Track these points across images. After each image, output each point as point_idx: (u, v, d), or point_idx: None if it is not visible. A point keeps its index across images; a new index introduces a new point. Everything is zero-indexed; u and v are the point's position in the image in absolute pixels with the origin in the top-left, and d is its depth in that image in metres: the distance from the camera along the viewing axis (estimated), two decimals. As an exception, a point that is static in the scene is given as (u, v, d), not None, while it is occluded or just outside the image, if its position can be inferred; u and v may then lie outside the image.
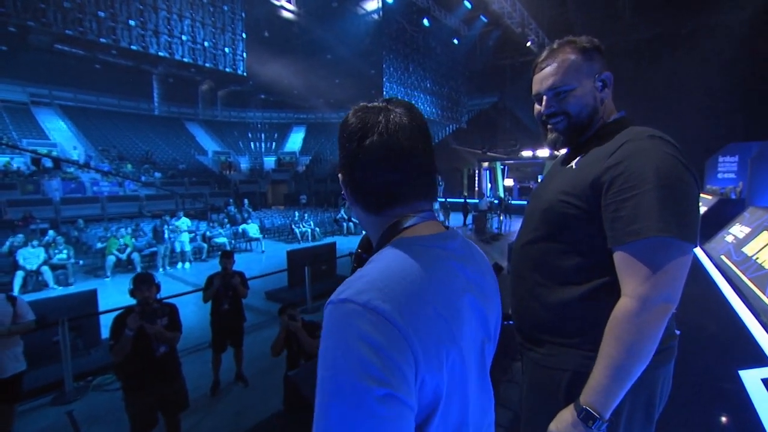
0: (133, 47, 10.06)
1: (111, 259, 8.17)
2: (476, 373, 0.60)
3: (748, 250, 6.17)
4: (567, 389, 0.96)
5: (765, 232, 6.14)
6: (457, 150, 22.72)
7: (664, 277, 0.84)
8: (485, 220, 12.68)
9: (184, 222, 9.28)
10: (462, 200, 14.92)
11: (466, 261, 0.61)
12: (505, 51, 20.40)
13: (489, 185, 21.95)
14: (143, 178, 18.23)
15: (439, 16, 17.04)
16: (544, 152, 17.29)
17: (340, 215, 13.79)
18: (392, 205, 0.59)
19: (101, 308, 4.55)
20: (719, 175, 12.73)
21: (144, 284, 2.49)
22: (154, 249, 8.81)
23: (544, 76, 1.05)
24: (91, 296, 4.56)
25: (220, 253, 3.84)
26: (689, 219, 0.85)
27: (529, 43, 16.47)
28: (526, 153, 19.22)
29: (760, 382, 2.94)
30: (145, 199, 16.49)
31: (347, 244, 11.35)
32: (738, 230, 7.33)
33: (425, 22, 16.55)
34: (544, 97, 1.06)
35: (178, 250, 9.05)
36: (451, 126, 22.63)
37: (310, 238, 12.02)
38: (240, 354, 3.84)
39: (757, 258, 5.64)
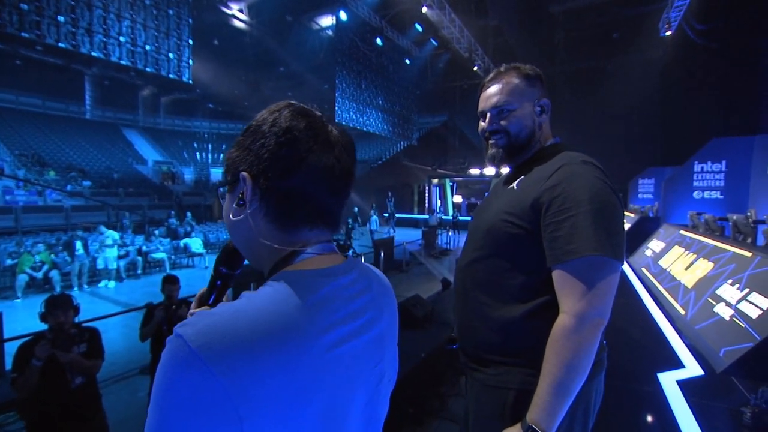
0: (62, 45, 9.15)
1: (22, 278, 7.24)
2: (359, 425, 0.54)
3: (663, 262, 6.88)
4: (513, 408, 0.98)
5: (676, 246, 6.90)
6: (407, 166, 23.24)
7: (598, 293, 0.89)
8: (435, 236, 13.01)
9: (109, 235, 8.51)
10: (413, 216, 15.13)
11: (360, 296, 0.56)
12: (454, 73, 21.44)
13: (439, 201, 22.61)
14: (69, 187, 16.52)
15: (392, 36, 17.58)
16: (490, 170, 18.21)
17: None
18: (303, 224, 0.54)
19: (6, 334, 3.99)
20: (639, 195, 14.20)
21: (58, 308, 2.22)
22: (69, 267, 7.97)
23: (489, 95, 1.12)
24: (-6, 321, 3.98)
25: (162, 277, 3.21)
26: (618, 239, 0.92)
27: (475, 68, 17.46)
28: (474, 171, 20.14)
29: (675, 383, 3.25)
30: (71, 210, 14.90)
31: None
32: (655, 245, 8.17)
33: (378, 41, 16.97)
34: (488, 114, 1.13)
35: (101, 266, 8.25)
36: (402, 143, 23.16)
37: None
38: None
39: (671, 270, 6.30)
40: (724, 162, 9.58)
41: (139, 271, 9.18)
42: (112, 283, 8.37)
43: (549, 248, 0.95)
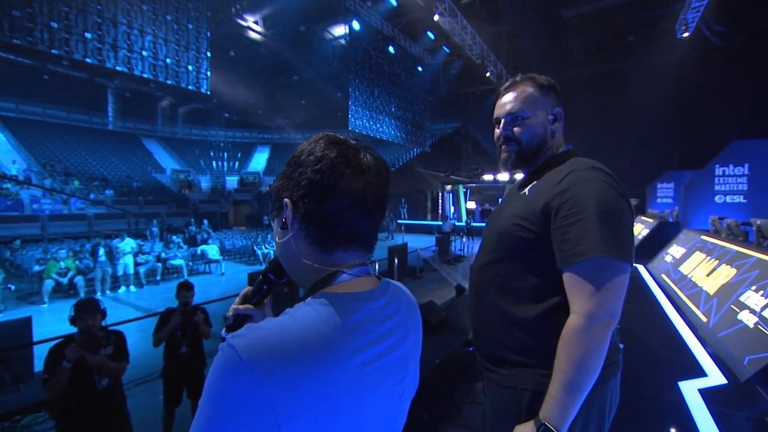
0: (88, 60, 9.57)
1: (49, 284, 7.51)
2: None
3: (684, 269, 6.71)
4: (528, 408, 1.00)
5: (697, 252, 6.72)
6: (421, 173, 23.25)
7: (607, 294, 0.91)
8: (449, 242, 12.96)
9: (127, 243, 8.78)
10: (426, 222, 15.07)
11: (390, 318, 0.60)
12: (466, 80, 21.44)
13: (452, 208, 22.51)
14: (92, 196, 17.09)
15: (404, 44, 17.74)
16: (504, 176, 18.09)
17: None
18: (338, 246, 0.59)
19: (36, 338, 4.15)
20: (658, 200, 13.88)
21: (87, 312, 2.31)
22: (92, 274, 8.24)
23: (504, 103, 1.18)
24: (24, 325, 4.14)
25: (177, 284, 3.24)
26: (625, 242, 0.95)
27: (488, 74, 17.45)
28: (488, 177, 20.01)
29: (697, 392, 3.17)
30: (93, 218, 15.41)
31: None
32: (675, 251, 7.97)
33: (391, 49, 17.15)
34: (502, 121, 1.18)
35: (120, 273, 8.50)
36: (415, 149, 23.22)
37: (272, 260, 11.70)
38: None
39: (692, 276, 6.14)
40: (746, 165, 9.32)
41: (159, 278, 9.40)
42: (132, 288, 8.61)
43: (558, 251, 0.98)
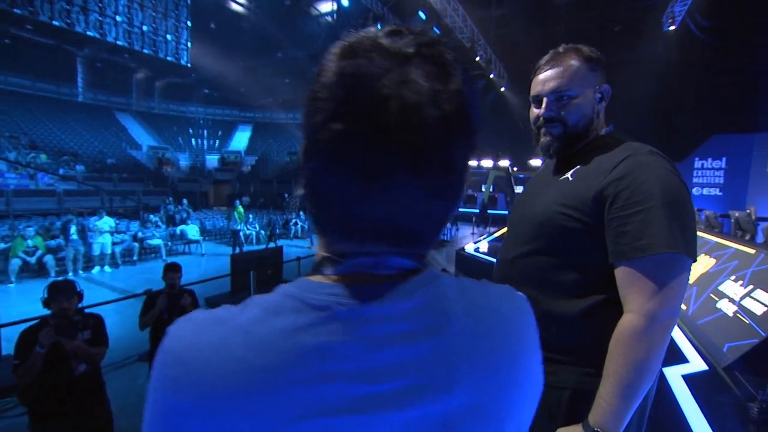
0: (55, 23, 8.81)
1: (15, 263, 7.11)
2: None
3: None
4: (567, 407, 0.93)
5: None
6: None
7: (670, 293, 0.84)
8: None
9: (106, 222, 8.40)
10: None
11: (407, 342, 0.33)
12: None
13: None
14: (61, 171, 16.21)
15: (394, 24, 17.32)
16: (487, 162, 18.16)
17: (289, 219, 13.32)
18: (333, 231, 0.37)
19: (2, 320, 3.91)
20: (637, 191, 14.26)
21: (62, 294, 2.14)
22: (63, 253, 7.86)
23: (547, 78, 1.03)
24: (-10, 306, 3.90)
25: (164, 264, 3.08)
26: (692, 235, 0.87)
27: (477, 58, 17.27)
28: (471, 163, 20.03)
29: (681, 378, 3.26)
30: (63, 194, 14.65)
31: (293, 247, 11.00)
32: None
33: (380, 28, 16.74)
34: (545, 100, 1.03)
35: (97, 252, 8.14)
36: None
37: (254, 242, 11.47)
38: None
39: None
40: (724, 159, 9.63)
41: (135, 258, 9.07)
42: (108, 269, 8.28)
43: (614, 243, 0.89)
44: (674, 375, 3.27)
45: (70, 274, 7.64)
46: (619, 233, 0.88)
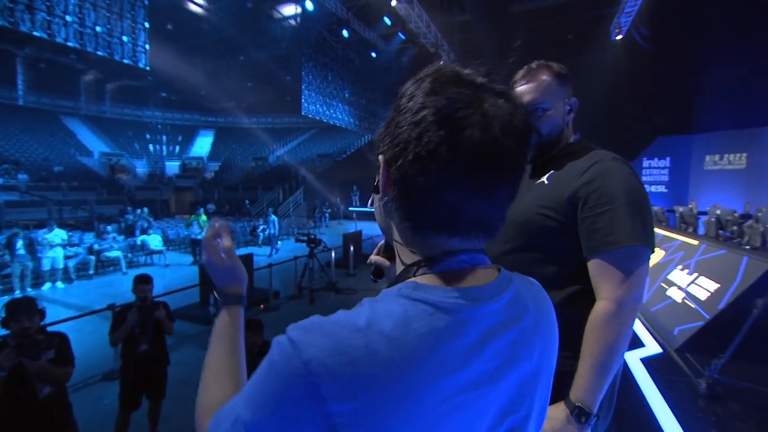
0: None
1: (-45, 282, 6.50)
2: None
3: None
4: (552, 390, 1.01)
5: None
6: (372, 160, 23.17)
7: (635, 280, 0.96)
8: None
9: (57, 234, 7.85)
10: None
11: (504, 329, 0.44)
12: (419, 68, 21.30)
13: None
14: (1, 181, 14.97)
15: (358, 29, 17.40)
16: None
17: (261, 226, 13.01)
18: (438, 232, 0.44)
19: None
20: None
21: (22, 313, 2.01)
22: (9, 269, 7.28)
23: (523, 92, 1.13)
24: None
25: (134, 277, 2.93)
26: (651, 229, 1.00)
27: (441, 62, 17.69)
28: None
29: (639, 361, 3.53)
30: (4, 205, 13.51)
31: (263, 254, 10.76)
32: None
33: (345, 33, 16.74)
34: None
35: (47, 267, 7.59)
36: (367, 136, 23.10)
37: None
38: (157, 410, 2.91)
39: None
40: (668, 158, 10.45)
41: (91, 272, 8.53)
42: (60, 284, 7.73)
43: (587, 239, 1.00)
44: (633, 358, 3.53)
45: (17, 291, 7.07)
46: (591, 230, 1.00)
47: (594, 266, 1.00)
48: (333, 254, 8.00)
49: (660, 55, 12.70)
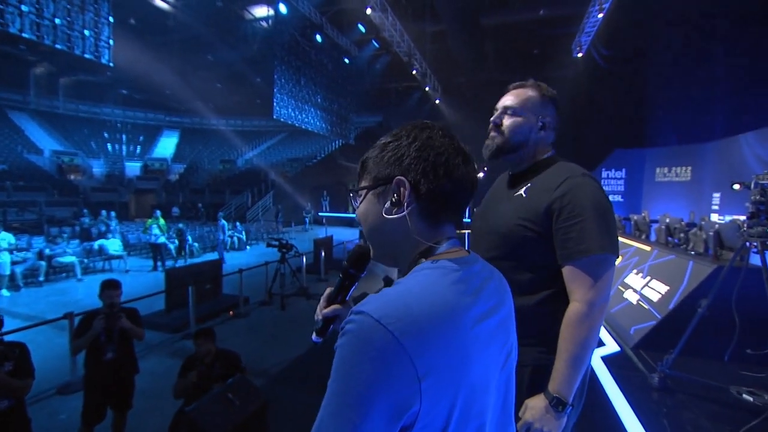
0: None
1: None
2: (497, 399, 0.63)
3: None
4: (529, 382, 1.13)
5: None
6: (343, 165, 23.18)
7: (603, 284, 1.08)
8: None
9: (2, 238, 7.31)
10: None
11: (488, 282, 0.64)
12: (391, 75, 21.85)
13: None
14: (-63, 180, 13.69)
15: (332, 34, 17.42)
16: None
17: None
18: (445, 222, 0.66)
19: None
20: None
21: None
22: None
23: (506, 98, 1.29)
24: None
25: (101, 282, 2.79)
26: (616, 238, 1.12)
27: (414, 71, 18.03)
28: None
29: (600, 359, 3.75)
30: (-60, 207, 12.37)
31: (231, 260, 10.46)
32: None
33: (318, 38, 16.70)
34: (498, 111, 1.29)
35: (-9, 274, 7.04)
36: (338, 141, 23.05)
37: (187, 255, 10.69)
38: (123, 422, 2.76)
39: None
40: (624, 170, 11.17)
41: (42, 278, 7.96)
42: (5, 292, 7.16)
43: (561, 248, 1.12)
44: (595, 357, 3.75)
45: (-44, 300, 6.50)
46: (565, 239, 1.12)
47: (567, 272, 1.12)
48: (304, 259, 7.92)
49: (616, 73, 13.60)
